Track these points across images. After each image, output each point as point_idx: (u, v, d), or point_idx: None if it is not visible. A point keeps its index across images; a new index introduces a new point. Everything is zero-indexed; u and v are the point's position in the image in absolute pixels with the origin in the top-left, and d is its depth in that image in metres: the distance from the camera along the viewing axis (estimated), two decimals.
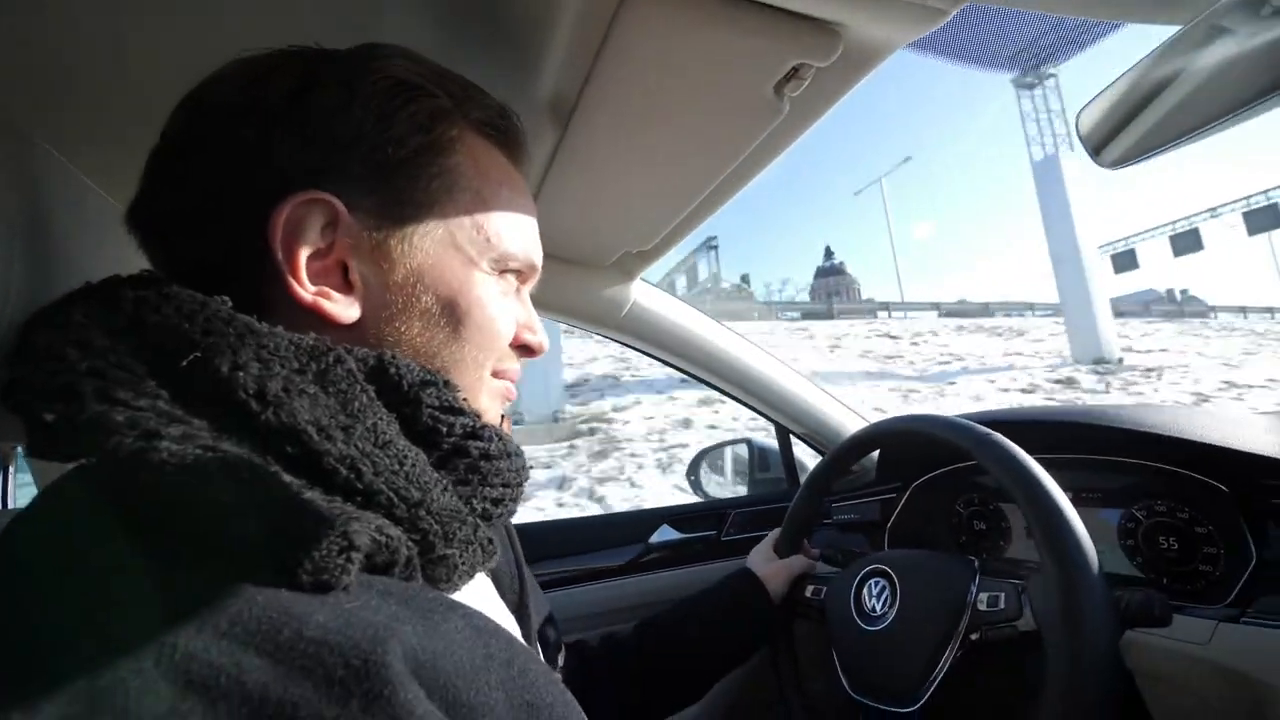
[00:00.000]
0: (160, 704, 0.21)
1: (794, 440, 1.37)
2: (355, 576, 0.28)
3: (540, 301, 1.01)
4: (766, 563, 0.86)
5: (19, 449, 0.79)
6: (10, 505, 0.69)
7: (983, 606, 0.62)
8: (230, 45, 0.39)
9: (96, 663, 0.22)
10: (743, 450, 1.58)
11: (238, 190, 0.36)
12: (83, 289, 0.34)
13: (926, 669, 0.62)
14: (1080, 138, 0.54)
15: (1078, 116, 0.54)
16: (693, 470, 1.65)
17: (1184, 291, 70.95)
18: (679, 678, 0.75)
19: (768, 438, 1.48)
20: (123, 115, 0.48)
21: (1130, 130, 0.55)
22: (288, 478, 0.29)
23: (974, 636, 0.62)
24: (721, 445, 1.68)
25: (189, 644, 0.23)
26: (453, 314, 0.40)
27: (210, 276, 0.35)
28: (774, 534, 0.92)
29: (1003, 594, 0.62)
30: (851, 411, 1.30)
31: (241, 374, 0.30)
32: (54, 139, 0.43)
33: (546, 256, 0.98)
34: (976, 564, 0.68)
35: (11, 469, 0.68)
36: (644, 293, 1.07)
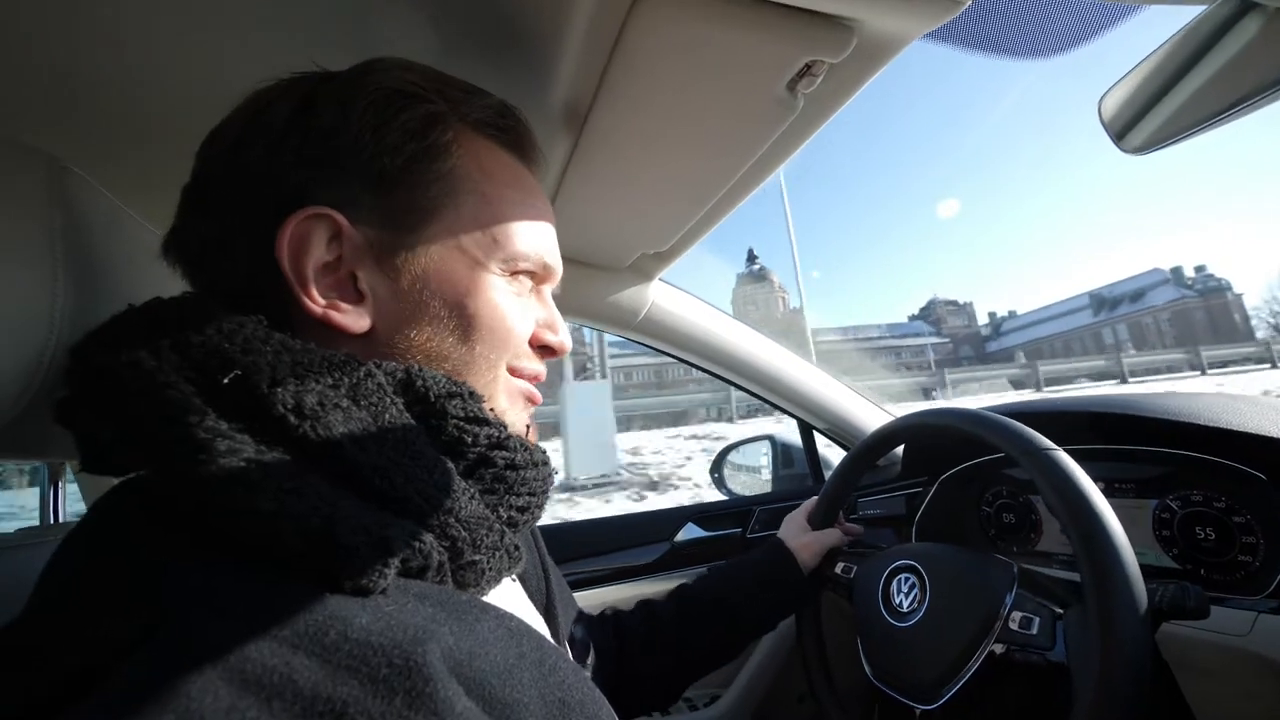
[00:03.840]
0: (220, 703, 0.22)
1: (817, 436, 1.36)
2: (392, 581, 0.30)
3: (558, 304, 1.03)
4: (799, 534, 0.86)
5: (69, 465, 0.83)
6: (62, 519, 0.71)
7: (1014, 625, 0.60)
8: (252, 72, 0.41)
9: (158, 667, 0.23)
10: (765, 447, 1.57)
11: (249, 215, 0.38)
12: (128, 312, 0.36)
13: (949, 672, 0.62)
14: (1103, 124, 0.53)
15: (1100, 101, 0.53)
16: (716, 468, 1.64)
17: (1200, 269, 64.03)
18: (711, 642, 0.76)
19: (791, 433, 1.48)
20: (154, 143, 0.50)
21: (1153, 115, 0.54)
22: (327, 488, 0.30)
23: (999, 650, 0.60)
24: (744, 442, 1.67)
25: (243, 647, 0.24)
26: (461, 317, 0.40)
27: (241, 298, 0.37)
28: (807, 504, 0.92)
29: (1037, 619, 0.60)
30: (876, 406, 1.29)
31: (280, 390, 0.31)
32: (90, 167, 0.45)
33: (564, 260, 0.99)
34: (1016, 570, 0.66)
35: (62, 483, 0.71)
36: (662, 293, 1.07)
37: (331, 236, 0.38)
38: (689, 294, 1.13)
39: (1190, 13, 0.49)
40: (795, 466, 1.47)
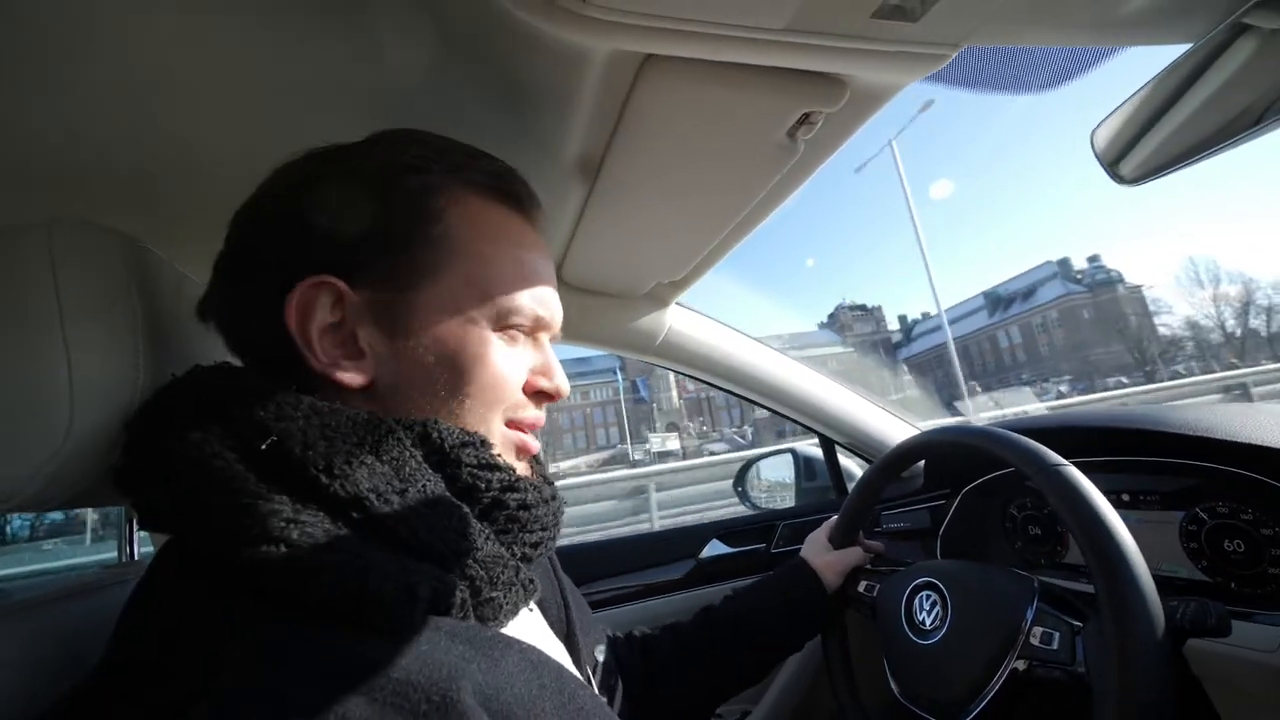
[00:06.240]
0: None
1: (839, 450, 1.37)
2: (422, 619, 0.33)
3: (580, 333, 1.07)
4: (822, 553, 0.87)
5: None
6: (136, 556, 0.77)
7: (1035, 640, 0.61)
8: (302, 146, 0.45)
9: (224, 713, 0.26)
10: (788, 460, 1.58)
11: (263, 284, 0.41)
12: (173, 384, 0.40)
13: (974, 690, 0.62)
14: (1096, 155, 0.54)
15: (1093, 134, 0.55)
16: (739, 481, 1.66)
17: (1093, 260, 57.94)
18: (738, 663, 0.77)
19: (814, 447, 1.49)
20: (216, 220, 0.55)
21: (1145, 143, 0.55)
22: (356, 540, 0.33)
23: (1021, 666, 0.61)
24: (767, 456, 1.68)
25: (299, 692, 0.27)
26: (452, 371, 0.42)
27: (270, 358, 0.41)
28: (829, 523, 0.93)
29: (1057, 634, 0.60)
30: (899, 420, 1.29)
31: (311, 452, 0.35)
32: (161, 244, 0.49)
33: (584, 292, 1.03)
34: (1036, 584, 0.67)
35: (136, 521, 0.77)
36: (679, 317, 1.10)
37: (335, 300, 0.41)
38: (705, 316, 1.15)
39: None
40: (818, 479, 1.47)
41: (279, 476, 0.34)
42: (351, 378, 0.41)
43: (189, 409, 0.37)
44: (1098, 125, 0.54)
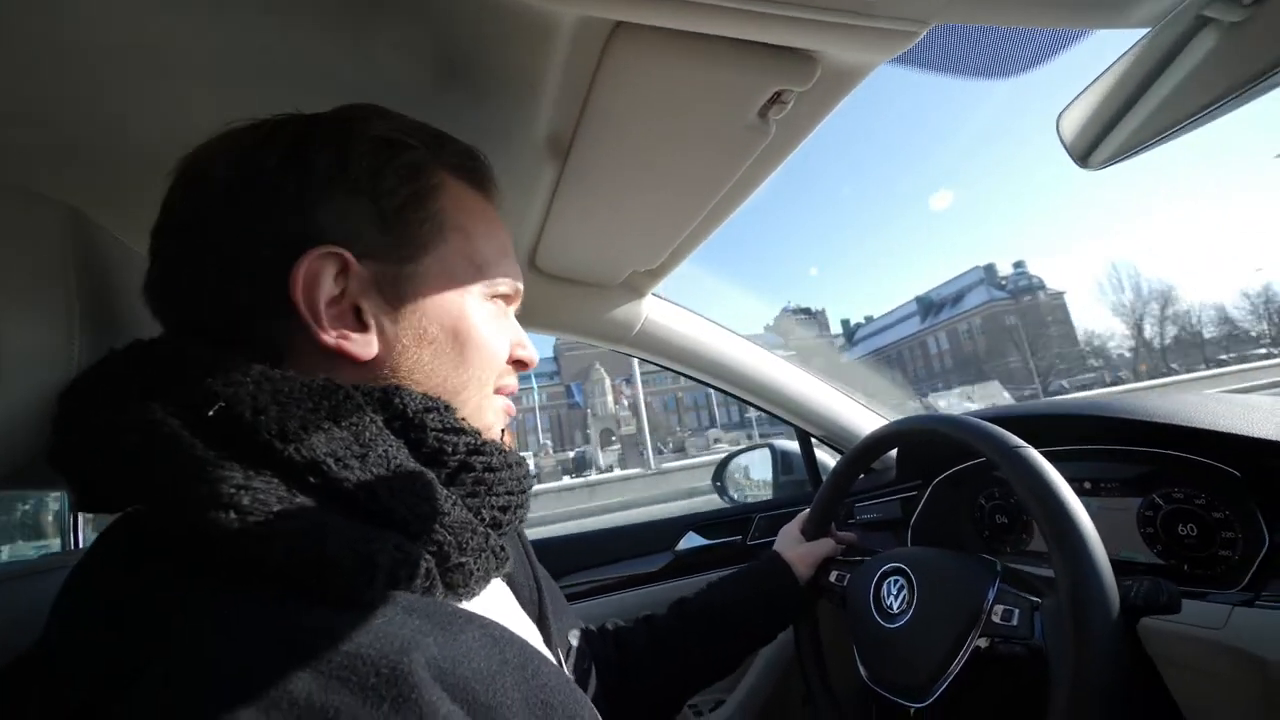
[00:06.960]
0: (225, 714, 0.24)
1: (815, 443, 1.38)
2: (381, 592, 0.32)
3: (555, 322, 1.07)
4: (794, 545, 0.89)
5: None
6: (81, 544, 0.75)
7: (996, 618, 0.62)
8: (251, 115, 0.43)
9: (160, 689, 0.25)
10: (765, 454, 1.59)
11: (251, 256, 0.39)
12: (110, 356, 0.38)
13: (938, 670, 0.64)
14: (1063, 144, 0.55)
15: (1058, 120, 0.55)
16: (718, 476, 1.67)
17: (1018, 265, 60.25)
18: (711, 655, 0.78)
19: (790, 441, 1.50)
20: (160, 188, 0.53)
21: (1118, 130, 0.56)
22: (313, 507, 0.32)
23: (983, 644, 0.62)
24: (745, 450, 1.69)
25: (241, 663, 0.26)
26: (456, 340, 0.44)
27: (230, 333, 0.38)
28: (801, 516, 0.94)
29: (1018, 610, 0.62)
30: (869, 411, 1.30)
31: (263, 417, 0.33)
32: (101, 212, 0.47)
33: (559, 280, 1.02)
34: (998, 567, 0.68)
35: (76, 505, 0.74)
36: (656, 308, 1.10)
37: (339, 271, 0.40)
38: (683, 307, 1.15)
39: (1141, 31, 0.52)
40: (795, 473, 1.49)
41: (229, 443, 0.33)
42: (360, 349, 0.40)
43: (128, 379, 0.36)
44: (1062, 113, 0.55)
